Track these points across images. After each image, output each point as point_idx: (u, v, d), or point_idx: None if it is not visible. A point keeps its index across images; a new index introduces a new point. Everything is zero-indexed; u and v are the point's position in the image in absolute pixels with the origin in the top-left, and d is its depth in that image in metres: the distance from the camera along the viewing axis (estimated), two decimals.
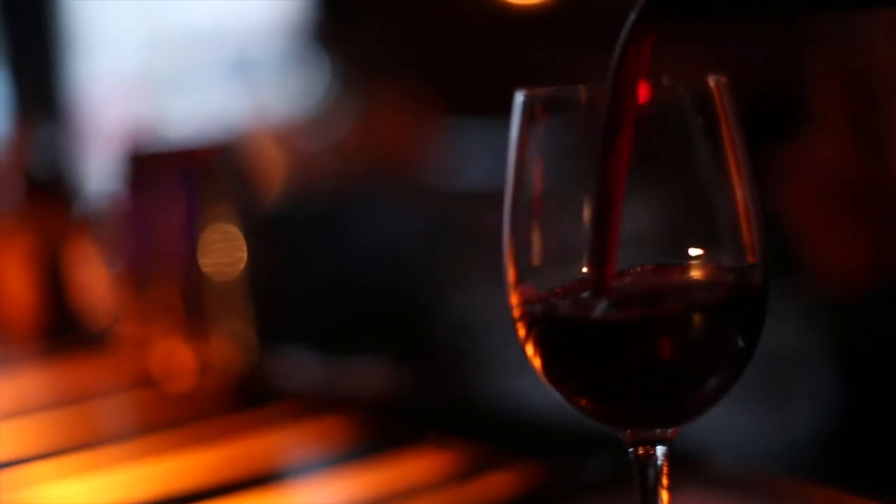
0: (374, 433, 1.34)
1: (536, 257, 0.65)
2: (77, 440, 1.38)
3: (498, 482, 1.14)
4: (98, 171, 3.24)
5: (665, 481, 0.67)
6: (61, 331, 1.92)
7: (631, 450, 0.68)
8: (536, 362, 0.66)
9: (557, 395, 0.67)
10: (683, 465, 0.91)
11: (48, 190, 2.07)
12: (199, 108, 4.80)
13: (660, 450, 0.67)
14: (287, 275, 2.71)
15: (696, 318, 0.63)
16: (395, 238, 3.55)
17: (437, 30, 4.01)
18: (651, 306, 0.63)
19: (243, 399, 1.51)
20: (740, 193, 0.63)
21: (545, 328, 0.65)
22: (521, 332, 0.66)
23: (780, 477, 1.02)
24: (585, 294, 0.63)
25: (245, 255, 1.63)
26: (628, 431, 0.67)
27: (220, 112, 4.50)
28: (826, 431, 2.53)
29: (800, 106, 2.72)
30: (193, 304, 1.63)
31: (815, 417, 2.53)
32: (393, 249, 3.54)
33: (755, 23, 3.04)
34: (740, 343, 0.64)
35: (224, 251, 1.62)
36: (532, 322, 0.66)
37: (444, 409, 1.45)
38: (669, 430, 0.66)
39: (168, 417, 1.45)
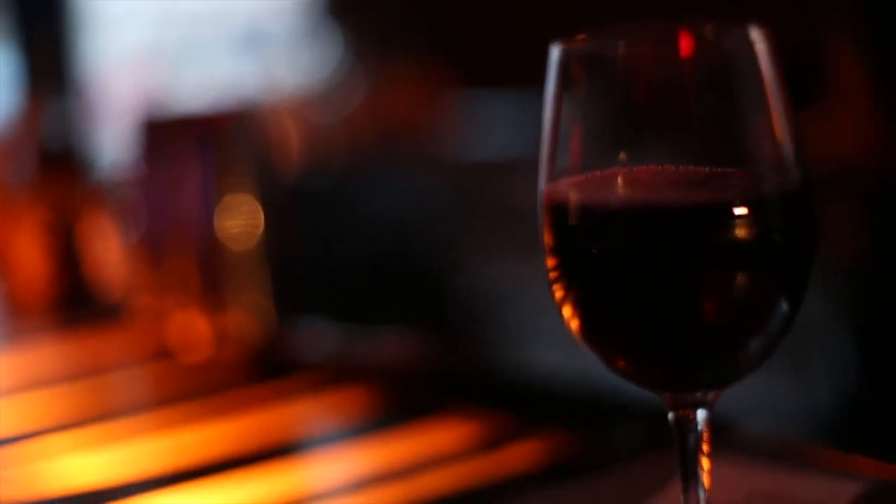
0: (396, 403, 1.32)
1: (572, 218, 0.63)
2: (93, 412, 1.37)
3: (523, 452, 1.12)
4: (110, 144, 3.23)
5: (706, 447, 0.65)
6: (76, 303, 1.91)
7: (671, 414, 0.66)
8: (574, 313, 0.64)
9: (595, 355, 0.65)
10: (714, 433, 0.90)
11: (61, 162, 2.06)
12: (210, 82, 4.79)
13: (700, 414, 0.65)
14: (304, 245, 2.70)
15: (739, 209, 0.60)
16: (409, 209, 3.54)
17: (449, 2, 4.00)
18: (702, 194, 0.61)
19: (261, 370, 1.50)
20: (783, 133, 0.61)
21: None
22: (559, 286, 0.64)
23: (812, 445, 1.00)
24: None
25: (262, 224, 1.62)
26: (668, 395, 0.65)
27: (231, 86, 4.49)
28: (846, 398, 2.52)
29: (821, 73, 2.70)
30: (210, 274, 1.61)
31: (835, 384, 2.51)
32: (407, 220, 3.53)
33: None
34: (793, 248, 0.62)
35: (241, 220, 1.61)
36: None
37: (467, 379, 1.44)
38: (710, 393, 0.64)
39: (185, 389, 1.44)
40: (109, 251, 1.87)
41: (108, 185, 1.96)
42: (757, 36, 0.61)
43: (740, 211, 0.60)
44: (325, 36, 4.35)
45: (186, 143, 1.61)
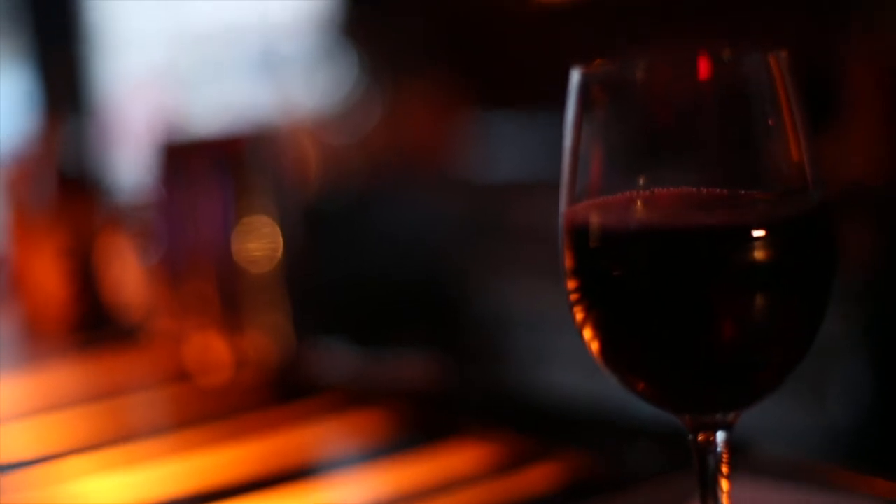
0: (415, 425, 1.32)
1: (594, 240, 0.64)
2: (113, 435, 1.37)
3: (541, 474, 1.13)
4: (127, 166, 3.25)
5: (725, 469, 0.66)
6: (95, 326, 1.91)
7: (690, 436, 0.66)
8: (595, 335, 0.64)
9: (616, 378, 0.66)
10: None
11: (79, 185, 2.07)
12: (225, 103, 4.80)
13: (720, 436, 0.65)
14: (322, 267, 2.70)
15: (757, 232, 0.61)
16: (426, 230, 3.54)
17: (465, 23, 4.01)
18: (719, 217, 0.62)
19: (281, 392, 1.50)
20: (799, 155, 0.62)
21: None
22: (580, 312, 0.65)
23: (830, 466, 1.00)
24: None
25: (281, 247, 1.62)
26: (687, 417, 0.66)
27: (246, 107, 4.50)
28: (861, 419, 2.51)
29: (837, 95, 2.70)
30: (229, 296, 1.62)
31: (851, 405, 2.51)
32: (423, 241, 3.54)
33: (794, 10, 3.03)
34: (812, 269, 0.62)
35: (260, 243, 1.61)
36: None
37: (485, 401, 1.44)
38: (730, 415, 0.65)
39: (205, 411, 1.44)
40: (128, 273, 1.88)
41: (127, 207, 1.97)
42: (775, 60, 0.62)
43: (759, 233, 0.60)
44: (340, 56, 4.36)
45: (205, 166, 1.62)
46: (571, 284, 0.65)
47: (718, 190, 0.62)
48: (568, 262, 0.65)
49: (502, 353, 3.32)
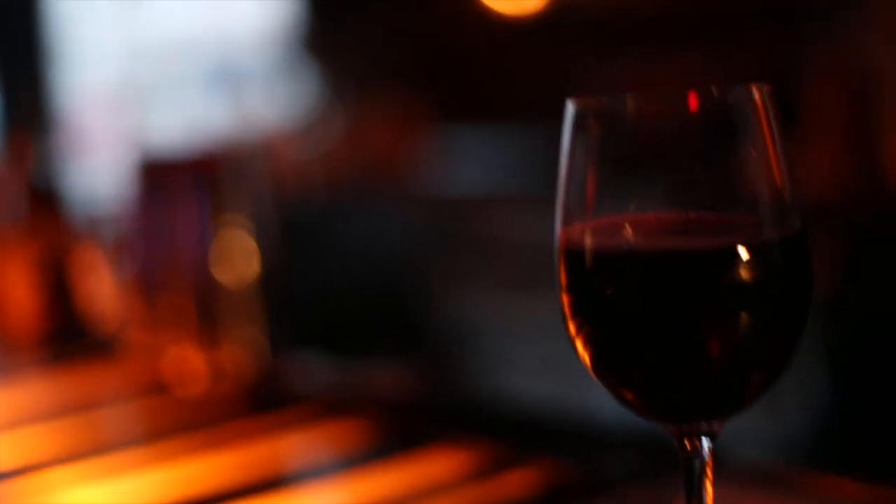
0: (391, 434, 1.35)
1: (586, 260, 0.68)
2: (89, 446, 1.38)
3: (519, 480, 1.16)
4: (94, 179, 3.25)
5: (710, 474, 0.70)
6: (67, 338, 1.93)
7: (676, 443, 0.70)
8: (587, 349, 0.69)
9: (607, 389, 0.70)
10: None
11: (50, 198, 2.09)
12: (185, 118, 4.81)
13: (705, 443, 0.69)
14: (294, 280, 2.73)
15: (741, 254, 0.65)
16: (387, 243, 3.57)
17: (426, 37, 4.04)
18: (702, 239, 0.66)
19: (257, 403, 1.53)
20: (781, 181, 0.66)
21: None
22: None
23: (799, 470, 1.04)
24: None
25: (257, 260, 1.65)
26: (673, 426, 0.70)
27: (207, 122, 4.51)
28: (815, 424, 2.57)
29: (795, 107, 2.76)
30: (205, 309, 1.64)
31: (805, 411, 2.57)
32: (385, 253, 3.57)
33: (754, 27, 3.09)
34: (793, 288, 0.67)
35: (236, 257, 1.64)
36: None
37: (458, 409, 1.47)
38: (716, 423, 0.69)
39: (181, 423, 1.46)
40: (102, 286, 1.90)
41: (100, 221, 1.99)
42: (759, 92, 0.66)
43: (743, 255, 0.65)
44: (302, 71, 4.38)
45: (182, 182, 1.65)
46: (566, 300, 0.69)
47: (704, 214, 0.66)
48: (562, 279, 0.69)
49: (462, 361, 3.36)
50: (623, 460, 1.15)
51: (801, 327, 0.67)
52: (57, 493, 1.25)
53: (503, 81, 3.71)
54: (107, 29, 4.93)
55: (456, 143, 3.86)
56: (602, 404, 0.82)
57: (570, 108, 0.68)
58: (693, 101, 0.65)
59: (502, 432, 1.30)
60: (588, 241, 0.67)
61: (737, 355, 0.66)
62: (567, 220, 0.69)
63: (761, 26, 3.10)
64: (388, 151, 3.98)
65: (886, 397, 2.49)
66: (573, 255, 0.68)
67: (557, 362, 1.72)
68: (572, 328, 0.69)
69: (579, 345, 0.69)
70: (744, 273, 0.65)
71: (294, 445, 1.38)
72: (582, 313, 0.68)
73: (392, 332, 3.33)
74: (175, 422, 1.48)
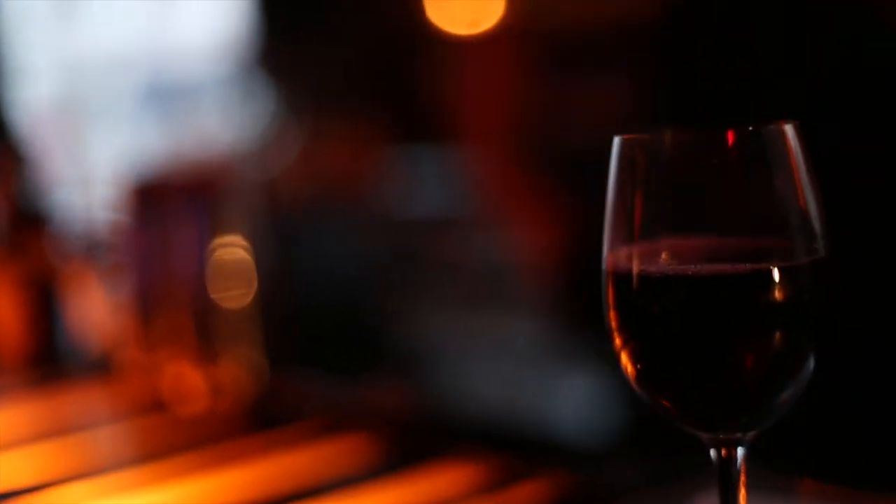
0: (393, 450, 1.39)
1: (631, 282, 0.74)
2: (87, 466, 1.41)
3: (526, 493, 1.21)
4: (64, 197, 3.25)
5: (744, 479, 0.76)
6: (56, 359, 1.94)
7: (713, 451, 0.76)
8: (631, 362, 0.74)
9: (648, 399, 0.76)
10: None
11: (35, 219, 2.11)
12: (131, 135, 4.80)
13: (740, 451, 0.75)
14: (293, 298, 2.76)
15: (772, 276, 0.71)
16: (349, 264, 3.60)
17: (385, 56, 4.06)
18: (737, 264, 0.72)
19: (257, 421, 1.56)
20: (808, 210, 0.73)
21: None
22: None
23: (801, 477, 1.10)
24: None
25: (254, 278, 1.69)
26: (710, 435, 0.76)
27: (152, 138, 4.50)
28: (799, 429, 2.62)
29: None
30: (203, 327, 1.68)
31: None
32: (344, 274, 3.60)
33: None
34: (822, 308, 0.73)
35: (232, 275, 1.68)
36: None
37: (458, 424, 1.52)
38: (750, 433, 0.75)
39: (183, 441, 1.48)
40: (94, 305, 1.92)
41: (91, 241, 2.01)
42: (789, 129, 0.73)
43: (775, 278, 0.71)
44: (256, 89, 4.39)
45: (177, 202, 1.69)
46: (612, 318, 0.75)
47: (738, 239, 0.73)
48: (609, 298, 0.75)
49: (425, 382, 3.39)
50: (626, 471, 1.20)
51: (829, 344, 0.74)
52: None
53: (460, 101, 3.75)
54: (55, 43, 4.90)
55: (414, 164, 3.89)
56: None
57: (616, 143, 0.75)
58: (730, 137, 0.71)
59: (504, 446, 1.35)
60: (633, 265, 0.73)
61: (767, 370, 0.73)
62: (613, 245, 0.75)
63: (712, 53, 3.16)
64: (345, 171, 4.00)
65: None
66: (619, 277, 0.74)
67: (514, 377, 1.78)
68: (617, 343, 0.75)
69: (623, 358, 0.75)
70: (775, 294, 0.71)
71: (296, 463, 1.40)
72: (626, 330, 0.74)
73: (353, 351, 3.37)
74: (174, 440, 1.50)
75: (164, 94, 4.93)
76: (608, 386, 1.66)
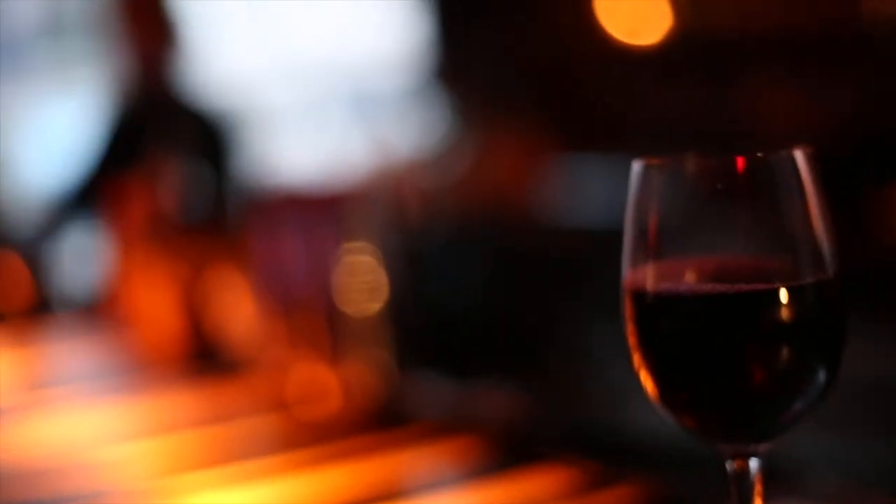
0: (499, 452, 1.44)
1: (649, 299, 0.78)
2: (221, 457, 1.50)
3: (615, 497, 1.25)
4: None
5: (759, 488, 0.79)
6: (206, 356, 2.04)
7: (728, 463, 0.79)
8: (649, 377, 0.79)
9: (667, 413, 0.79)
10: (780, 482, 1.02)
11: (194, 222, 2.21)
12: (316, 144, 4.91)
13: (753, 463, 0.79)
14: (420, 304, 2.83)
15: (783, 294, 0.74)
16: (513, 271, 3.66)
17: (554, 67, 4.10)
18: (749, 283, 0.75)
19: (379, 421, 1.63)
20: (818, 232, 0.76)
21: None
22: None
23: (872, 494, 1.11)
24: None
25: (385, 285, 1.76)
26: (724, 446, 0.79)
27: (338, 149, 4.61)
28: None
29: None
30: (335, 331, 1.76)
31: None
32: (510, 281, 3.66)
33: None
34: (827, 334, 0.76)
35: (363, 281, 1.75)
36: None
37: (565, 430, 1.56)
38: (762, 445, 0.78)
39: (309, 437, 1.56)
40: (239, 306, 2.01)
41: (239, 245, 2.10)
42: (801, 155, 0.76)
43: (785, 297, 0.75)
44: (432, 100, 4.46)
45: (315, 213, 1.77)
46: (631, 333, 0.79)
47: (751, 259, 0.76)
48: (628, 314, 0.79)
49: (582, 389, 3.43)
50: (711, 479, 1.23)
51: (838, 360, 0.77)
52: (195, 496, 1.37)
53: (630, 110, 3.77)
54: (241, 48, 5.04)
55: (583, 173, 3.92)
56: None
57: (635, 167, 0.79)
58: (741, 163, 0.75)
59: (603, 452, 1.39)
60: (651, 282, 0.77)
61: (780, 384, 0.76)
62: (633, 263, 0.79)
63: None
64: (515, 180, 4.05)
65: None
66: (636, 294, 0.78)
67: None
68: (637, 359, 0.79)
69: (643, 373, 0.79)
70: (785, 312, 0.75)
71: (410, 461, 1.47)
72: (645, 346, 0.78)
73: (513, 358, 3.42)
74: (303, 436, 1.58)
75: (349, 104, 5.05)
76: None
